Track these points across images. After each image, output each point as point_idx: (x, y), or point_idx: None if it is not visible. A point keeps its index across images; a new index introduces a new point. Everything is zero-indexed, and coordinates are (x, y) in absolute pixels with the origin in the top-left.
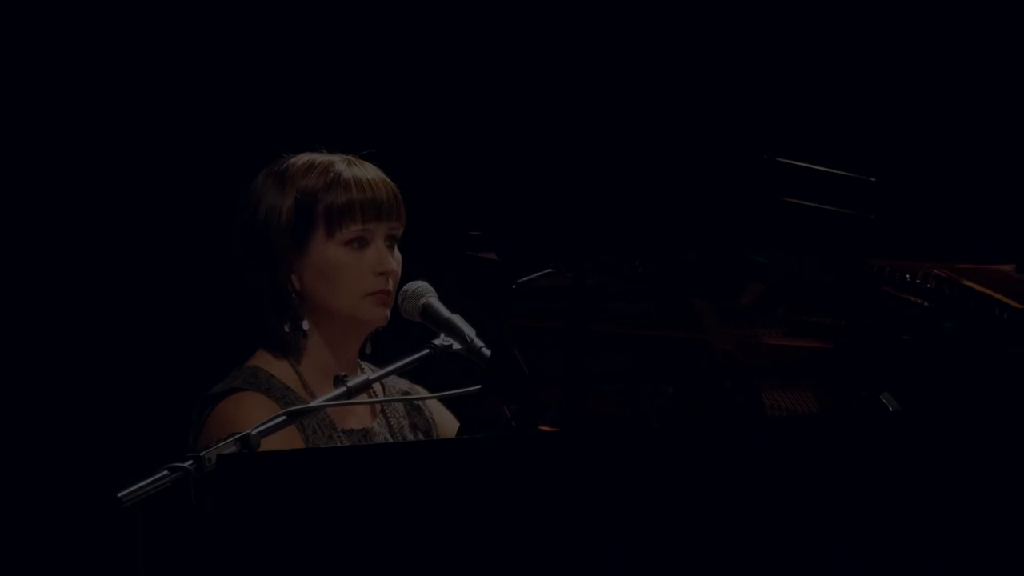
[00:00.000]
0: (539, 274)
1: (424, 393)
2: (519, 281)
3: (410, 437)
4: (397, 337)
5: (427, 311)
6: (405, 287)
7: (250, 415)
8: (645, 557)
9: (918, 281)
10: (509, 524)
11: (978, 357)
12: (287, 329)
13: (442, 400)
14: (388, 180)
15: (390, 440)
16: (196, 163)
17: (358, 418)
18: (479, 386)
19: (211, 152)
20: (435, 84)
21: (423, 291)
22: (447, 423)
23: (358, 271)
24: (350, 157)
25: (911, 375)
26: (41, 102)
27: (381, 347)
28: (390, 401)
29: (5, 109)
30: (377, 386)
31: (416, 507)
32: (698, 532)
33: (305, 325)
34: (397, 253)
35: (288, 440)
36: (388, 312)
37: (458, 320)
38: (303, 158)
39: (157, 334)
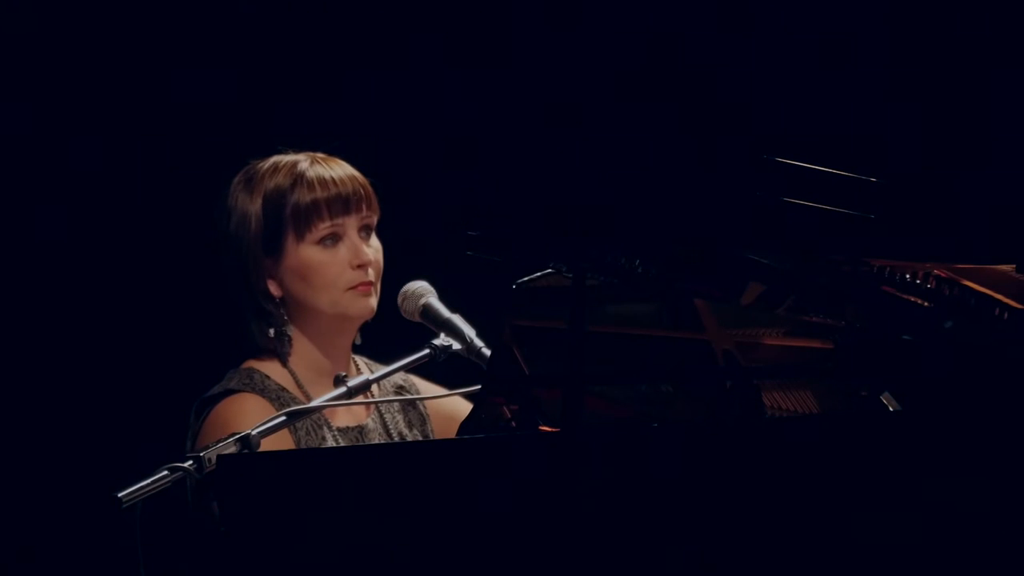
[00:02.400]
0: (539, 274)
1: (418, 383)
2: (519, 281)
3: (405, 431)
4: (397, 337)
5: (427, 311)
6: (405, 287)
7: (246, 416)
8: (645, 557)
9: (918, 281)
10: (509, 524)
11: (978, 357)
12: (272, 335)
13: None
14: (355, 174)
15: (384, 436)
16: (196, 163)
17: (352, 416)
18: (479, 386)
19: (209, 153)
20: (435, 84)
21: (423, 291)
22: (444, 408)
23: (335, 267)
24: (316, 155)
25: (911, 375)
26: (34, 102)
27: (382, 347)
28: (390, 401)
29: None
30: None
31: (416, 507)
32: (698, 532)
33: (290, 330)
34: (375, 241)
35: (278, 441)
36: (374, 303)
37: (458, 320)
38: (269, 161)
39: (156, 335)
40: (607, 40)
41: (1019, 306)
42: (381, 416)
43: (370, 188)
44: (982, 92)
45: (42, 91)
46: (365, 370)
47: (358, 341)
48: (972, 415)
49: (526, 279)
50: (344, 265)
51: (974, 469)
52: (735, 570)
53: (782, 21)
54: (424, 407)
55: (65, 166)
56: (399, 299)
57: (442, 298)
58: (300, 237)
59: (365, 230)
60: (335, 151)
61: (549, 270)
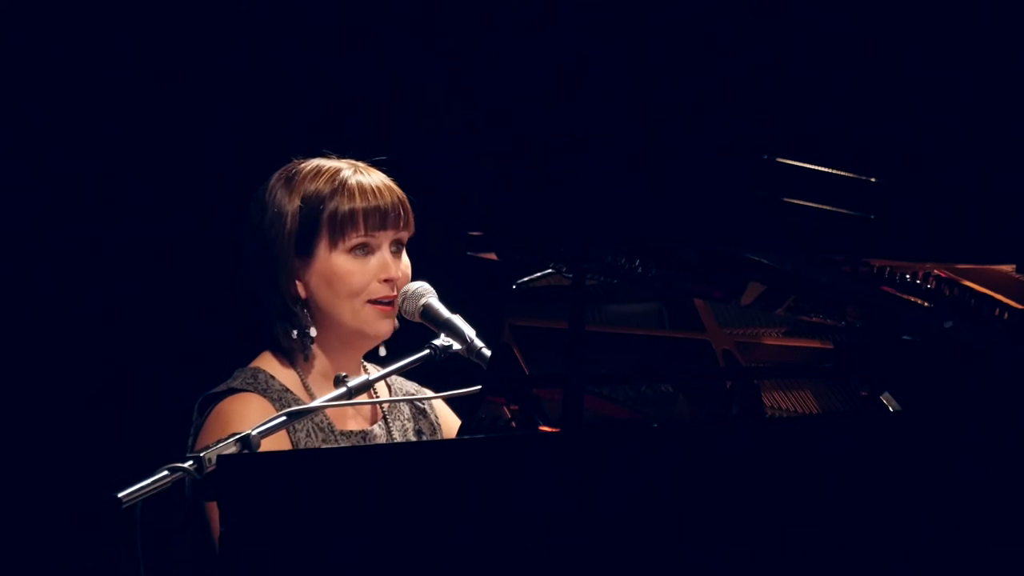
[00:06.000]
0: (539, 274)
1: (432, 396)
2: (519, 281)
3: (412, 439)
4: (397, 337)
5: (427, 311)
6: (405, 287)
7: (247, 416)
8: (646, 557)
9: (918, 281)
10: (509, 524)
11: (978, 357)
12: (295, 336)
13: (443, 400)
14: (395, 187)
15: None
16: (203, 163)
17: (358, 421)
18: (479, 386)
19: (220, 152)
20: (436, 84)
21: (423, 291)
22: (453, 429)
23: (362, 278)
24: (359, 164)
25: (911, 375)
26: (44, 100)
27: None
28: (390, 402)
29: (8, 108)
30: (383, 388)
31: (416, 507)
32: (699, 532)
33: (313, 332)
34: (405, 259)
35: (275, 444)
36: (392, 326)
37: (458, 320)
38: (311, 163)
39: (159, 334)
40: (607, 39)
41: (1019, 306)
42: (388, 423)
43: (408, 204)
44: (982, 91)
45: (44, 90)
46: (374, 373)
47: (382, 352)
48: (972, 415)
49: (526, 279)
50: (371, 278)
51: (974, 469)
52: (736, 570)
53: (782, 17)
54: (436, 418)
55: (68, 162)
56: (399, 299)
57: (442, 298)
58: (333, 243)
59: (396, 245)
60: (378, 164)
61: (549, 270)
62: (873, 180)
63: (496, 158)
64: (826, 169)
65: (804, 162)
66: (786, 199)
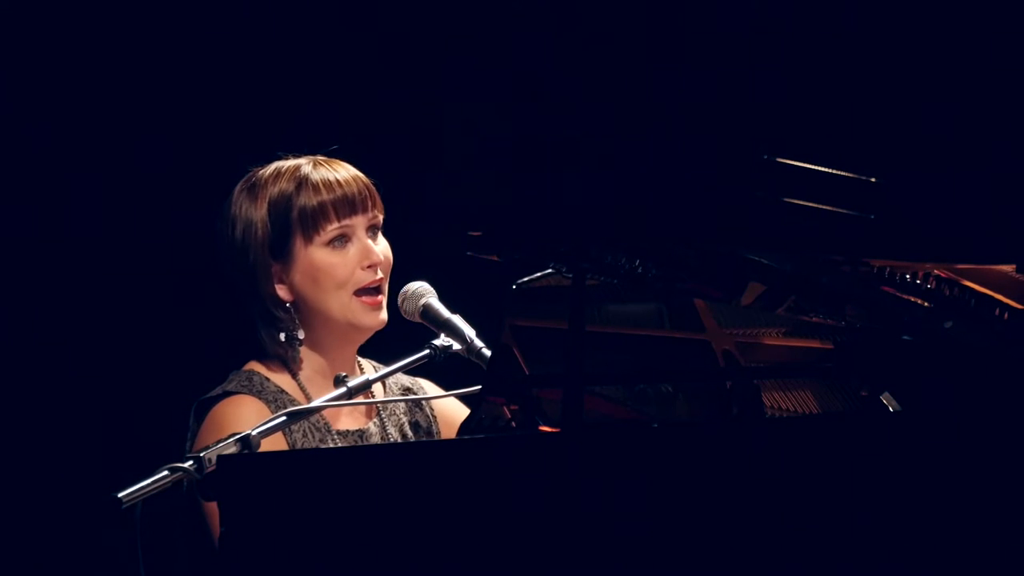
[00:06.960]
0: (539, 274)
1: (427, 386)
2: (519, 281)
3: (410, 435)
4: (397, 337)
5: (427, 311)
6: (405, 287)
7: (242, 419)
8: (645, 557)
9: (918, 281)
10: (509, 524)
11: (978, 357)
12: (282, 340)
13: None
14: (358, 174)
15: (385, 440)
16: (197, 166)
17: (353, 419)
18: (479, 386)
19: (211, 155)
20: (434, 83)
21: (423, 291)
22: (451, 414)
23: (345, 268)
24: (316, 158)
25: (911, 375)
26: (37, 102)
27: (381, 347)
28: (390, 401)
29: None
30: (377, 385)
31: (416, 507)
32: (698, 533)
33: (301, 335)
34: (383, 241)
35: (271, 444)
36: (383, 316)
37: (458, 320)
38: (270, 168)
39: (158, 335)
40: (606, 40)
41: (1019, 306)
42: (383, 420)
43: (374, 188)
44: (982, 91)
45: (42, 92)
46: (370, 372)
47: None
48: (972, 415)
49: (526, 279)
50: (354, 266)
51: (974, 469)
52: (735, 570)
53: (782, 18)
54: (431, 411)
55: (66, 166)
56: (399, 299)
57: (442, 298)
58: (308, 239)
59: (372, 230)
60: (333, 154)
61: (549, 270)
62: (873, 180)
63: (497, 158)
64: (826, 169)
65: (804, 162)
66: (786, 199)
